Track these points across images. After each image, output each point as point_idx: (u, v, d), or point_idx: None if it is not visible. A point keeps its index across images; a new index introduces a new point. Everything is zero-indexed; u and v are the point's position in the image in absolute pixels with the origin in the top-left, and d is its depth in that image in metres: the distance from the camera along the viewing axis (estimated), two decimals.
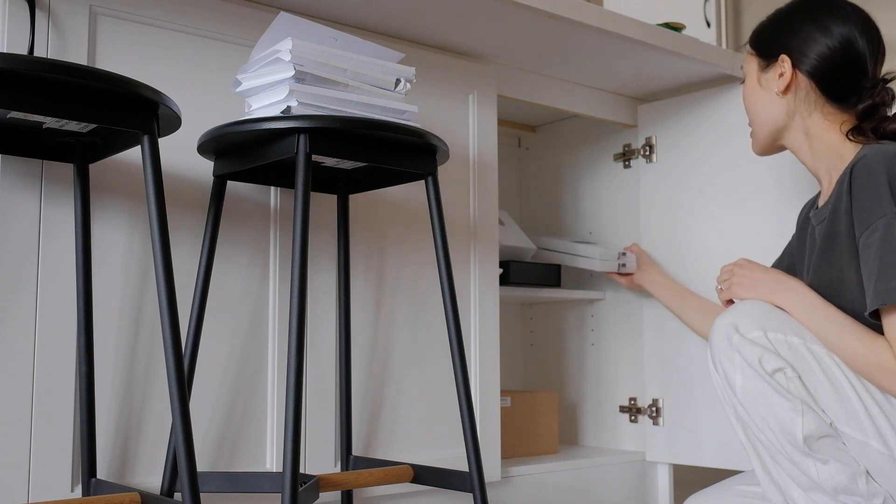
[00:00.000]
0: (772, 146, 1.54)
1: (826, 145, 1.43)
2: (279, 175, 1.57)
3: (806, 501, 1.31)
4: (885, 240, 1.23)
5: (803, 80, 1.44)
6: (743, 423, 1.38)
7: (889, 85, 1.45)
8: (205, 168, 1.50)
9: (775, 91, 1.47)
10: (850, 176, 1.29)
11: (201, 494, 1.36)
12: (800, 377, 1.34)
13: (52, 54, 1.35)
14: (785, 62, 1.46)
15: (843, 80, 1.44)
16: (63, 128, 1.24)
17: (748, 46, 1.57)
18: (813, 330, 1.36)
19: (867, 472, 1.27)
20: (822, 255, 1.41)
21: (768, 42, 1.50)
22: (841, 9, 1.45)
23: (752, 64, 1.54)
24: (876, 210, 1.25)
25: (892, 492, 1.27)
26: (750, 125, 1.57)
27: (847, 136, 1.42)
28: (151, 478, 1.41)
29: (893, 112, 1.45)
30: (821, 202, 1.47)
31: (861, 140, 1.41)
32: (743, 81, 1.58)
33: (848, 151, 1.40)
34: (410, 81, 1.44)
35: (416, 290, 1.77)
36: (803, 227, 1.55)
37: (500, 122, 2.31)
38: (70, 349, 1.34)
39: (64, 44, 1.37)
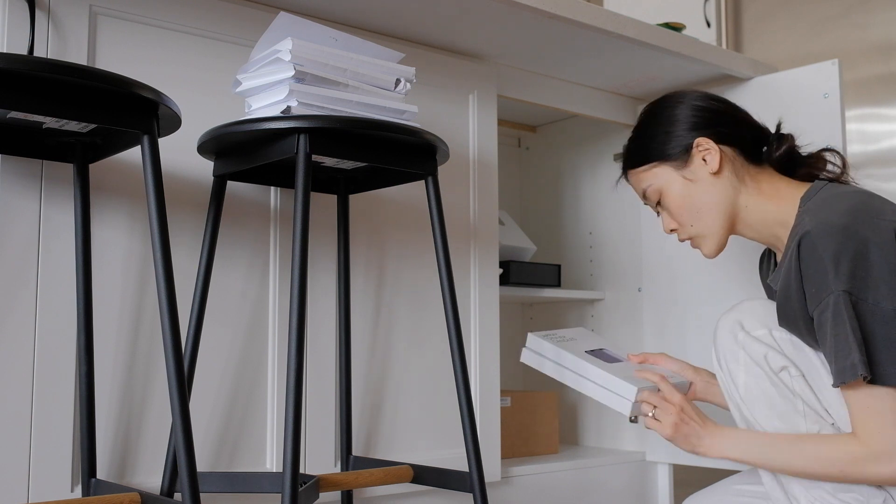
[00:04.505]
0: (726, 237, 1.45)
1: (766, 212, 1.41)
2: (279, 175, 1.56)
3: (808, 499, 1.31)
4: (835, 317, 1.23)
5: (727, 151, 1.42)
6: (747, 421, 1.38)
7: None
8: (205, 168, 1.50)
9: (708, 174, 1.41)
10: (798, 253, 1.29)
11: (201, 494, 1.35)
12: (803, 375, 1.34)
13: (52, 54, 1.35)
14: (704, 143, 1.41)
15: (748, 136, 1.45)
16: (63, 128, 1.24)
17: (640, 168, 1.47)
18: (765, 462, 1.33)
19: None
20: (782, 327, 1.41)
21: (669, 144, 1.43)
22: (693, 91, 1.50)
23: (664, 172, 1.44)
24: (824, 287, 1.25)
25: (893, 492, 1.26)
26: (691, 232, 1.46)
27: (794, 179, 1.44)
28: (151, 478, 1.41)
29: (807, 152, 1.46)
30: (779, 259, 1.46)
31: (800, 182, 1.42)
32: (657, 202, 1.46)
33: (788, 213, 1.38)
34: (410, 81, 1.44)
35: (416, 290, 1.77)
36: (767, 289, 1.55)
37: (500, 122, 2.30)
38: (70, 349, 1.34)
39: (64, 44, 1.36)
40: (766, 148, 1.46)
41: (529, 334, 1.53)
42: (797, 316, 1.32)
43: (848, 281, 1.23)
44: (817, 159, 1.45)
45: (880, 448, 1.23)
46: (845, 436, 1.27)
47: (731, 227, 1.45)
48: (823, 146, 1.47)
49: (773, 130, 1.48)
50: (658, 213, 1.52)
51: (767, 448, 1.33)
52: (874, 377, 1.21)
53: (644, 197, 1.50)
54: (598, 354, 1.51)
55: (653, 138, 1.46)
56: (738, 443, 1.36)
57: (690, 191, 1.43)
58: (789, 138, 1.46)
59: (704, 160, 1.41)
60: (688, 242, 1.51)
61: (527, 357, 1.54)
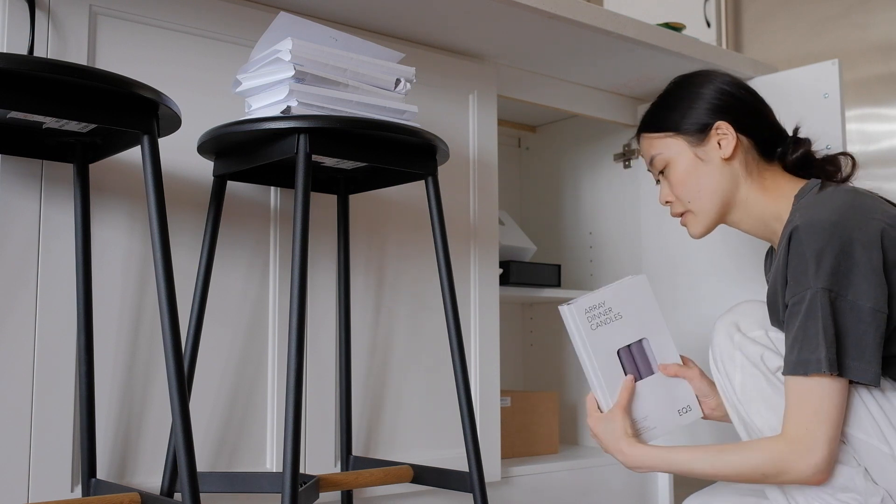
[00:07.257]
0: (717, 223, 1.47)
1: (763, 207, 1.43)
2: (279, 175, 1.56)
3: (806, 499, 1.31)
4: (809, 311, 1.24)
5: (744, 141, 1.44)
6: (744, 422, 1.38)
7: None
8: (205, 168, 1.50)
9: (720, 159, 1.43)
10: (788, 247, 1.30)
11: (201, 494, 1.36)
12: None
13: (52, 54, 1.35)
14: (724, 128, 1.43)
15: (766, 132, 1.47)
16: (63, 128, 1.24)
17: (655, 134, 1.48)
18: (680, 471, 1.36)
19: (866, 470, 1.27)
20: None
21: (688, 119, 1.45)
22: (727, 74, 1.50)
23: (677, 145, 1.46)
24: (803, 281, 1.26)
25: (892, 491, 1.26)
26: (686, 207, 1.47)
27: (793, 176, 1.45)
28: (151, 478, 1.41)
29: (823, 155, 1.47)
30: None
31: (801, 176, 1.45)
32: (661, 171, 1.49)
33: (783, 210, 1.40)
34: (410, 81, 1.44)
35: (416, 290, 1.77)
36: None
37: (500, 122, 2.30)
38: (70, 349, 1.34)
39: (64, 44, 1.37)
40: (780, 148, 1.47)
41: (573, 304, 1.41)
42: (780, 308, 1.33)
43: (828, 278, 1.24)
44: (830, 162, 1.46)
45: (798, 437, 1.23)
46: (767, 438, 1.28)
47: (725, 215, 1.47)
48: (839, 150, 1.48)
49: (790, 133, 1.49)
50: (658, 181, 1.54)
51: (690, 464, 1.34)
52: (840, 370, 1.22)
53: (650, 163, 1.51)
54: (636, 350, 1.45)
55: (674, 109, 1.47)
56: (659, 458, 1.37)
57: (698, 169, 1.45)
58: (806, 142, 1.47)
59: (719, 144, 1.43)
60: (681, 223, 1.52)
61: (565, 317, 1.41)
